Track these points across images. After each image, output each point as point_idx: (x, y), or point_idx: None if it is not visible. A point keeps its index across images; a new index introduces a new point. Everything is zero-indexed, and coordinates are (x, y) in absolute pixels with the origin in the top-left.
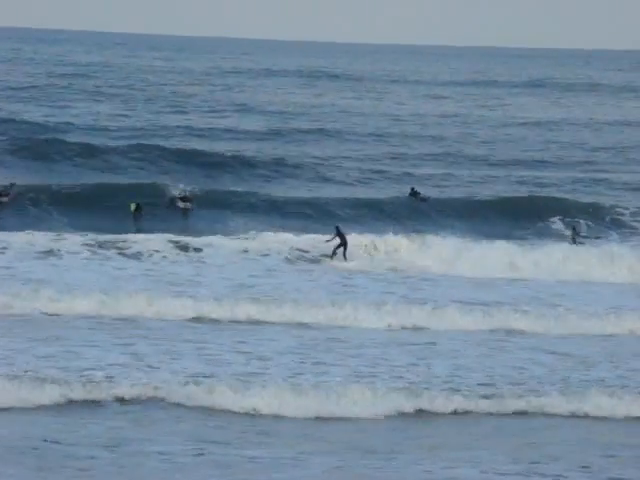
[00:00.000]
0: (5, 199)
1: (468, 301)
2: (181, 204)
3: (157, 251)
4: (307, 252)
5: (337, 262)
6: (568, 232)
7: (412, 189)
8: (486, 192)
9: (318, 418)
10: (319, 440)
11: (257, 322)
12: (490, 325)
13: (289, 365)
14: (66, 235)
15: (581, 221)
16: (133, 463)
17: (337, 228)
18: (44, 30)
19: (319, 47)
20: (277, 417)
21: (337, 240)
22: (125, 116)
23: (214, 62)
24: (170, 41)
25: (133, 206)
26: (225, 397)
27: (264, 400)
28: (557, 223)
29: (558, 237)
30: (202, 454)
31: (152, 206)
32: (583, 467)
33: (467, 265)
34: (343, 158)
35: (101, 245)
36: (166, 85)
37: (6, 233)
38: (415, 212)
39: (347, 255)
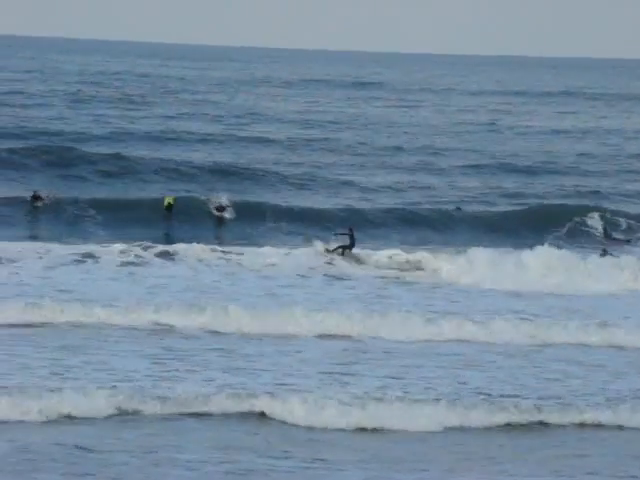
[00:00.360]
0: (40, 203)
1: (503, 313)
2: (217, 213)
3: (191, 260)
4: (342, 262)
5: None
6: (603, 238)
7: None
8: (519, 201)
9: (349, 429)
10: (350, 451)
11: (287, 333)
12: (524, 337)
13: (319, 376)
14: (102, 245)
15: (621, 219)
16: (160, 472)
17: (351, 230)
18: (75, 40)
19: (349, 56)
20: (309, 428)
21: (346, 240)
22: (157, 125)
23: (244, 71)
24: (202, 50)
25: (168, 200)
26: (257, 407)
27: (297, 410)
28: (594, 231)
29: (595, 245)
30: (231, 463)
31: (187, 216)
32: (632, 477)
33: (503, 276)
34: (376, 167)
35: (136, 254)
36: (198, 94)
37: (42, 242)
38: (449, 222)
39: (349, 255)
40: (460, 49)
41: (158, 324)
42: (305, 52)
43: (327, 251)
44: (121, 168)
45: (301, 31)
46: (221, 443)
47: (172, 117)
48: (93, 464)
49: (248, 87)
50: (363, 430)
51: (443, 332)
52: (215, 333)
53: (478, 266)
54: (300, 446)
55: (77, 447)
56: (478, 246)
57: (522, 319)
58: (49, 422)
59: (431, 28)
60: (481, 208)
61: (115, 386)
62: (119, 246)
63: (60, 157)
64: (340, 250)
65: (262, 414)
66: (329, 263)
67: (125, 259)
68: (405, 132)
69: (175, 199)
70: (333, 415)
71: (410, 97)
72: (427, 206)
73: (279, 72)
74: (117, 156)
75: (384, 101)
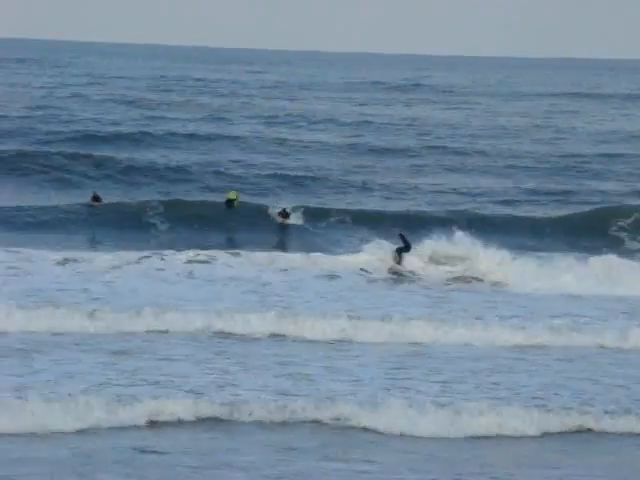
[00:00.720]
0: (97, 204)
1: (565, 317)
2: (280, 220)
3: (255, 265)
4: (406, 265)
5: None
6: None
7: None
8: (579, 200)
9: (404, 433)
10: (406, 454)
11: (347, 338)
12: (584, 340)
13: (377, 380)
14: (166, 249)
15: None
16: (216, 474)
17: (401, 235)
18: (136, 45)
19: (403, 59)
20: (366, 431)
21: (400, 243)
22: (213, 128)
23: (298, 74)
24: (256, 55)
25: (230, 195)
26: (314, 411)
27: (355, 414)
28: None
29: None
30: (286, 466)
31: (250, 221)
32: None
33: (565, 280)
34: (436, 167)
35: (200, 259)
36: (254, 97)
37: (108, 246)
38: (511, 225)
39: (403, 260)
40: (521, 51)
41: (220, 329)
42: (357, 55)
43: (397, 262)
44: (178, 172)
45: (354, 34)
46: (278, 447)
47: (228, 120)
48: (153, 467)
49: (304, 90)
50: (419, 435)
51: (503, 336)
52: (274, 337)
53: (542, 270)
54: (356, 449)
55: (138, 450)
56: (542, 249)
57: (582, 323)
58: (109, 430)
59: (490, 30)
60: (541, 209)
61: (175, 392)
62: (186, 252)
63: (115, 161)
64: (404, 254)
65: (318, 419)
66: (396, 264)
67: (189, 264)
68: (462, 134)
69: (238, 195)
70: (391, 419)
71: (467, 99)
72: (485, 208)
73: (333, 75)
74: (172, 159)
75: (439, 103)
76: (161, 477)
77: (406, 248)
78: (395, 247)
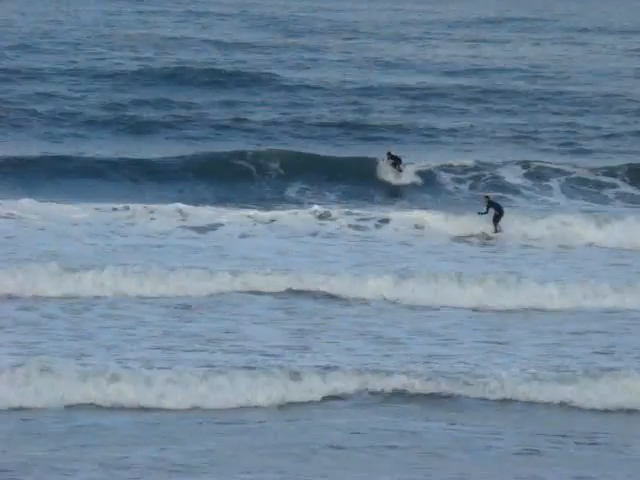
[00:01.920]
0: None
1: None
2: (390, 166)
3: (366, 223)
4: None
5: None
6: None
7: None
8: None
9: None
10: (503, 419)
11: (437, 303)
12: None
13: (474, 345)
14: (292, 208)
15: None
16: (385, 446)
17: (487, 198)
18: None
19: None
20: (456, 398)
21: (492, 212)
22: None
23: (398, 12)
24: None
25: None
26: (410, 379)
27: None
28: None
29: None
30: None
31: (359, 177)
32: None
33: None
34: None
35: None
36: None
37: (238, 205)
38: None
39: (500, 225)
40: None
41: (317, 290)
42: None
43: (496, 231)
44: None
45: None
46: (387, 413)
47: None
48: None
49: (404, 29)
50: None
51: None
52: (364, 303)
53: None
54: (453, 412)
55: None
56: None
57: None
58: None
59: None
60: None
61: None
62: (303, 208)
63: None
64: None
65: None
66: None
67: (309, 224)
68: (578, 73)
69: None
70: (484, 385)
71: (584, 37)
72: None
73: (438, 13)
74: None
75: (554, 41)
76: (326, 457)
77: (500, 213)
78: (491, 215)
